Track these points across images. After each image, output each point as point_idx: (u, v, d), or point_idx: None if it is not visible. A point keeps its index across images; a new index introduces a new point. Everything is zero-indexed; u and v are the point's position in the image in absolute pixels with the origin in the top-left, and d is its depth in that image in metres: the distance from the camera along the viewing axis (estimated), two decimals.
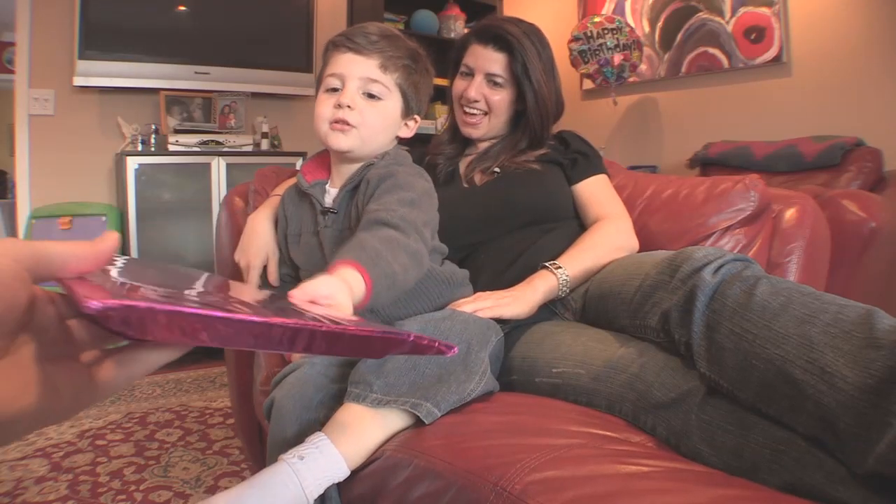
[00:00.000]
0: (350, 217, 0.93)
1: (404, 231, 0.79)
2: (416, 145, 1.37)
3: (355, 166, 0.94)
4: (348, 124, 0.89)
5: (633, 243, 1.12)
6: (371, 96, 0.91)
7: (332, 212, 0.94)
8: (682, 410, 0.71)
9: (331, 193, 0.97)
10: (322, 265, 0.91)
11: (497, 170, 1.19)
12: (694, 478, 0.59)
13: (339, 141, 0.90)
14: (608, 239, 1.09)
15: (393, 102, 0.93)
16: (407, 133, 1.00)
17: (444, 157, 1.26)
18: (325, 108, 0.91)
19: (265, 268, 1.04)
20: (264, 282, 1.02)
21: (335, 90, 0.91)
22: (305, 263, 0.99)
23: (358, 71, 0.89)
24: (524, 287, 1.01)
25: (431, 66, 1.00)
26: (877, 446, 0.51)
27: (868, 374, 0.54)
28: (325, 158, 1.02)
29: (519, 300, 0.98)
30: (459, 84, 1.23)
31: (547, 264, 1.03)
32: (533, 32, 1.18)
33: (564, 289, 1.02)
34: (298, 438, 0.74)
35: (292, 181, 1.18)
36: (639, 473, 0.59)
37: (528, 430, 0.71)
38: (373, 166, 0.92)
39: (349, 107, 0.89)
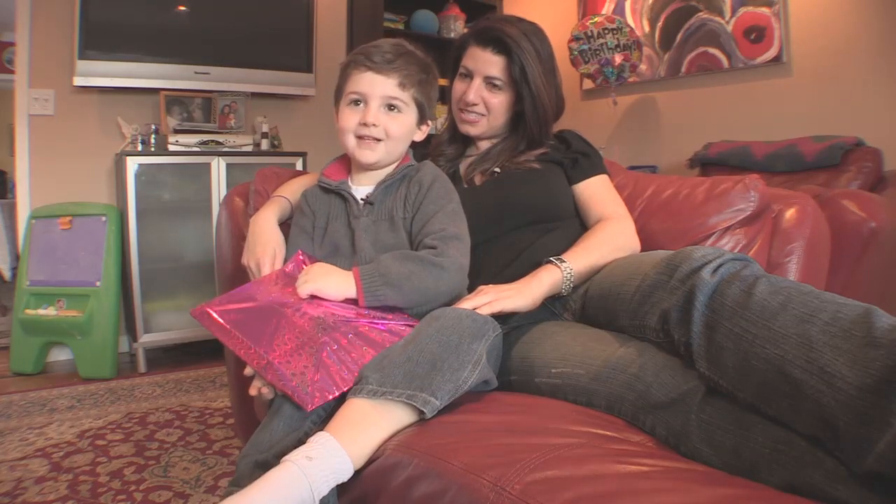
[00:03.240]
0: (385, 209, 1.03)
1: (436, 250, 0.94)
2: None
3: (383, 171, 1.05)
4: (375, 139, 1.00)
5: (635, 244, 1.12)
6: (391, 108, 1.00)
7: (369, 203, 1.03)
8: (682, 410, 0.71)
9: (359, 190, 1.05)
10: (348, 251, 1.00)
11: (497, 170, 1.19)
12: (694, 477, 0.59)
13: (367, 156, 1.01)
14: (611, 238, 1.09)
15: (410, 114, 1.03)
16: (420, 137, 1.09)
17: (445, 158, 1.26)
18: (349, 121, 1.00)
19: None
20: None
21: (357, 104, 1.00)
22: (331, 253, 1.04)
23: (379, 90, 0.98)
24: (528, 280, 1.01)
25: (437, 72, 1.08)
26: (876, 445, 0.51)
27: (867, 374, 0.54)
28: (344, 163, 1.10)
29: (522, 293, 0.97)
30: (458, 86, 1.23)
31: (552, 259, 1.04)
32: (533, 32, 1.18)
33: (569, 283, 1.02)
34: (296, 434, 0.76)
35: (294, 183, 1.19)
36: (639, 473, 0.59)
37: (528, 429, 0.71)
38: (412, 168, 1.06)
39: (374, 125, 0.98)
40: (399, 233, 1.01)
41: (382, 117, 0.99)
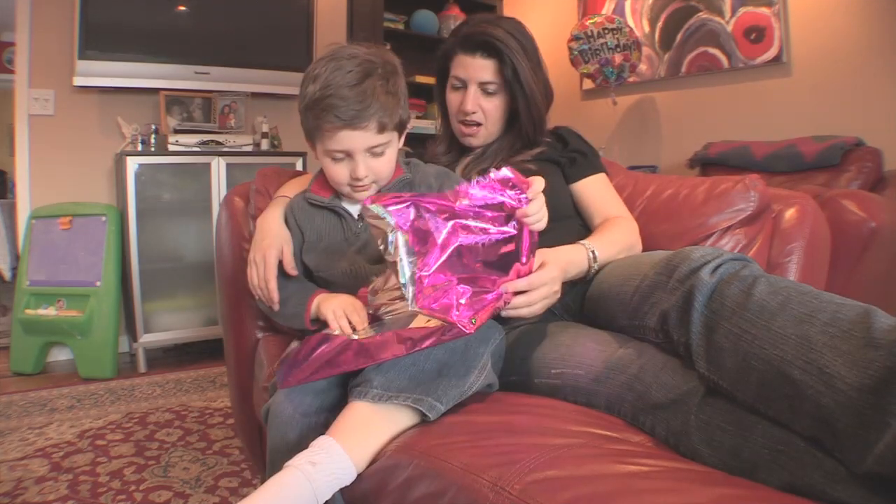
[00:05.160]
0: None
1: None
2: (416, 145, 1.38)
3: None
4: (368, 184, 0.98)
5: (640, 244, 1.12)
6: (376, 154, 0.96)
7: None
8: (682, 411, 0.71)
9: (354, 208, 1.04)
10: (345, 266, 1.02)
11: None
12: (694, 477, 0.59)
13: (364, 195, 0.98)
14: (623, 237, 1.10)
15: (394, 143, 0.99)
16: (401, 143, 1.06)
17: (442, 164, 1.26)
18: (340, 176, 0.97)
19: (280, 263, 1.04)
20: (281, 272, 1.02)
21: (341, 160, 0.96)
22: (325, 265, 1.04)
23: (359, 143, 0.93)
24: (565, 268, 0.96)
25: (399, 64, 1.01)
26: (875, 446, 0.51)
27: (866, 375, 0.54)
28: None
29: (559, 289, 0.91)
30: (454, 97, 1.21)
31: (583, 243, 1.03)
32: (516, 29, 1.17)
33: (590, 272, 1.02)
34: (300, 443, 0.74)
35: (296, 183, 1.19)
36: (639, 473, 0.59)
37: (527, 430, 0.71)
38: (406, 179, 1.04)
39: (366, 176, 0.96)
40: None
41: (371, 163, 0.96)
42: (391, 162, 1.00)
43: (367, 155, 0.95)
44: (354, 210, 1.04)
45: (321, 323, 0.93)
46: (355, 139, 0.92)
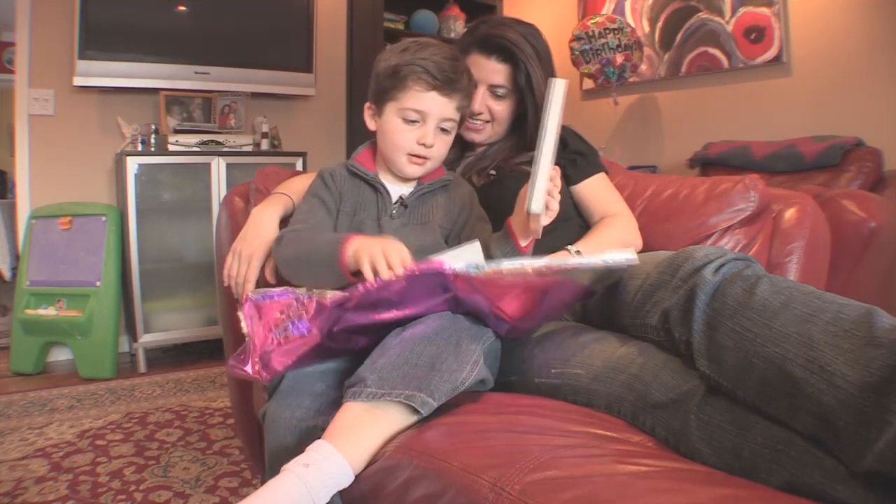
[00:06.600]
0: (418, 214, 1.02)
1: None
2: None
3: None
4: (425, 158, 0.99)
5: (638, 241, 1.12)
6: (444, 131, 0.99)
7: (403, 205, 1.01)
8: (682, 410, 0.71)
9: (394, 189, 1.02)
10: None
11: (493, 172, 1.19)
12: (693, 477, 0.59)
13: (416, 171, 1.00)
14: (618, 234, 1.10)
15: (454, 131, 1.02)
16: None
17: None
18: (405, 140, 0.97)
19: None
20: (260, 276, 1.02)
21: (414, 122, 0.97)
22: None
23: (438, 111, 0.96)
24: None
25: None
26: (876, 445, 0.51)
27: (868, 373, 0.54)
28: (373, 154, 1.07)
29: None
30: None
31: (569, 247, 1.03)
32: (531, 34, 1.17)
33: None
34: (298, 447, 0.74)
35: (298, 180, 1.18)
36: (638, 473, 0.59)
37: (527, 429, 0.71)
38: (447, 179, 1.06)
39: (432, 146, 0.97)
40: (432, 236, 1.00)
41: (437, 138, 0.98)
42: (448, 146, 1.02)
43: (437, 127, 0.97)
44: (395, 191, 1.02)
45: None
46: (438, 104, 0.96)
